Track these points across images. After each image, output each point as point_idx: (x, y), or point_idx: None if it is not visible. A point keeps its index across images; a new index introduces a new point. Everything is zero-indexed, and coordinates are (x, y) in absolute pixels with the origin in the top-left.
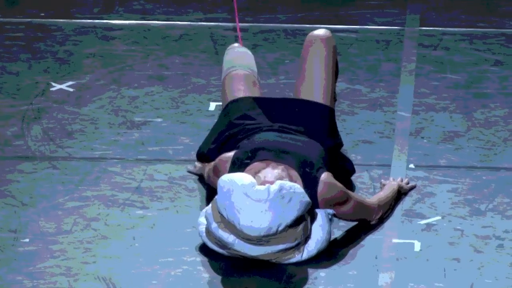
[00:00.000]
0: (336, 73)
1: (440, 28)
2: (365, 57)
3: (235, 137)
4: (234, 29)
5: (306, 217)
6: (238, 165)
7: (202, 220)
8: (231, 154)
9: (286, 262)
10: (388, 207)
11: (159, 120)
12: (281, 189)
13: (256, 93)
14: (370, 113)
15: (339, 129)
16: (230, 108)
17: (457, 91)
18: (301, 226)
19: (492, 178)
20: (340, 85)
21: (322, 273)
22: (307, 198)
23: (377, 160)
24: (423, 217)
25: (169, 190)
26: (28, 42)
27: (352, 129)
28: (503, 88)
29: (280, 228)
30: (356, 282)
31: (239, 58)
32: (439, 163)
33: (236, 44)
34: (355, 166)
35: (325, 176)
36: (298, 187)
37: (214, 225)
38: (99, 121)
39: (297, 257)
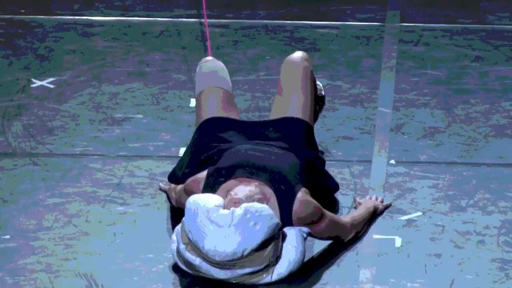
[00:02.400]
0: (314, 95)
1: (421, 24)
2: (345, 53)
3: (211, 159)
4: (214, 25)
5: (276, 237)
6: (211, 185)
7: (174, 238)
8: (204, 174)
9: (255, 283)
10: (361, 227)
11: (140, 116)
12: (246, 213)
13: (231, 112)
14: (350, 109)
15: (319, 125)
16: (203, 128)
17: (437, 87)
18: (269, 249)
19: (473, 174)
20: (321, 81)
21: (302, 269)
22: (275, 220)
23: (357, 156)
24: (404, 213)
25: (150, 187)
26: (8, 39)
27: (332, 125)
28: (483, 84)
29: (245, 253)
30: (337, 278)
31: (213, 74)
32: (420, 159)
33: (209, 58)
34: (335, 162)
35: (301, 194)
36: (265, 208)
37: (182, 246)
38: (79, 117)
39: (266, 279)
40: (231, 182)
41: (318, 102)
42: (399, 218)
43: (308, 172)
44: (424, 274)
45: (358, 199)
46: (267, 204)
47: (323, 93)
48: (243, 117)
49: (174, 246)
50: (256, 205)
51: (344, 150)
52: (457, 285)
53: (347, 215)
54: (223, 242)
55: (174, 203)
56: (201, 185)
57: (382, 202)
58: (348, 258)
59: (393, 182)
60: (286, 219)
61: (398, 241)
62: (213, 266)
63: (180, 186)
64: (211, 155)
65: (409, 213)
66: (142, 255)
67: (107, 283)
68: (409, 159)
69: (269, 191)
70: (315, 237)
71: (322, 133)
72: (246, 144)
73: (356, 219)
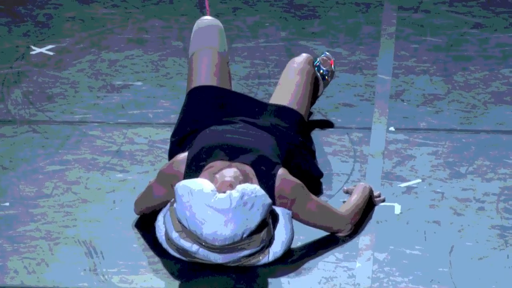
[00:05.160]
0: (313, 95)
1: None
2: (345, 20)
3: (195, 133)
4: None
5: (268, 219)
6: (194, 167)
7: (161, 225)
8: (183, 156)
9: (253, 265)
10: (359, 216)
11: (139, 83)
12: (242, 195)
13: (224, 79)
14: (350, 76)
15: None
16: (193, 96)
17: (437, 54)
18: (265, 230)
19: (472, 140)
20: (320, 48)
21: (301, 236)
22: (268, 200)
23: (357, 123)
24: (404, 180)
25: (149, 154)
26: (8, 6)
27: (332, 92)
28: (483, 50)
29: (245, 235)
30: (336, 245)
31: (209, 34)
32: (419, 126)
33: (207, 17)
34: (335, 129)
35: (281, 172)
36: (258, 189)
37: (175, 234)
38: (79, 84)
39: (263, 260)
40: (212, 165)
41: (324, 82)
42: (398, 185)
43: (290, 156)
44: (424, 241)
45: (346, 188)
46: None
47: (333, 67)
48: (243, 84)
49: (161, 234)
50: (249, 186)
51: (344, 117)
52: (456, 252)
53: (341, 206)
54: (223, 227)
55: (137, 208)
56: (182, 169)
57: (378, 196)
58: None
59: (392, 149)
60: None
61: (397, 208)
62: (211, 251)
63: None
64: (196, 129)
65: (409, 180)
66: (141, 222)
67: (106, 250)
68: (409, 126)
69: (251, 171)
70: (304, 221)
71: (322, 100)
72: (230, 121)
73: (352, 208)
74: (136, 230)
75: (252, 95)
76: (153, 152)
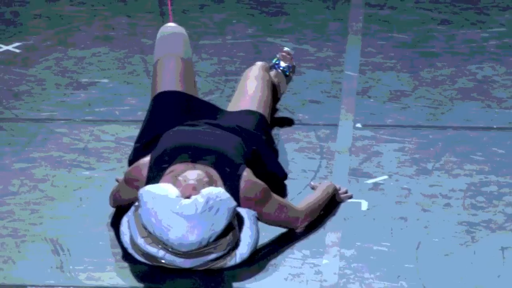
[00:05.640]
0: (272, 98)
1: None
2: (312, 17)
3: (159, 137)
4: None
5: (234, 222)
6: (156, 170)
7: (124, 230)
8: (147, 159)
9: (220, 268)
10: (318, 213)
11: (106, 80)
12: (208, 200)
13: (188, 85)
14: (317, 72)
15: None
16: (158, 101)
17: (403, 50)
18: (231, 233)
19: (439, 137)
20: (287, 45)
21: (268, 233)
22: (233, 203)
23: (324, 120)
24: (370, 176)
25: (116, 151)
26: None
27: (299, 89)
28: (450, 47)
29: (211, 240)
30: (303, 242)
31: (173, 41)
32: (386, 122)
33: (171, 24)
34: (302, 126)
35: (246, 174)
36: (223, 192)
37: (140, 240)
38: (46, 82)
39: (230, 262)
40: (175, 167)
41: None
42: (365, 182)
43: (255, 156)
44: (390, 237)
45: (313, 183)
46: (215, 186)
47: (293, 62)
48: (210, 80)
49: (126, 238)
50: (214, 189)
51: (311, 113)
52: (423, 248)
53: (301, 201)
54: (189, 233)
55: (111, 203)
56: (145, 172)
57: (345, 192)
58: (314, 222)
59: (359, 146)
60: (234, 200)
61: (364, 205)
62: (178, 256)
63: (120, 180)
64: (159, 134)
65: (375, 177)
66: (108, 219)
67: (73, 248)
68: (376, 123)
69: (214, 173)
70: (264, 221)
71: (288, 97)
72: (188, 126)
73: (311, 204)
74: (103, 228)
75: (219, 92)
76: (120, 150)
